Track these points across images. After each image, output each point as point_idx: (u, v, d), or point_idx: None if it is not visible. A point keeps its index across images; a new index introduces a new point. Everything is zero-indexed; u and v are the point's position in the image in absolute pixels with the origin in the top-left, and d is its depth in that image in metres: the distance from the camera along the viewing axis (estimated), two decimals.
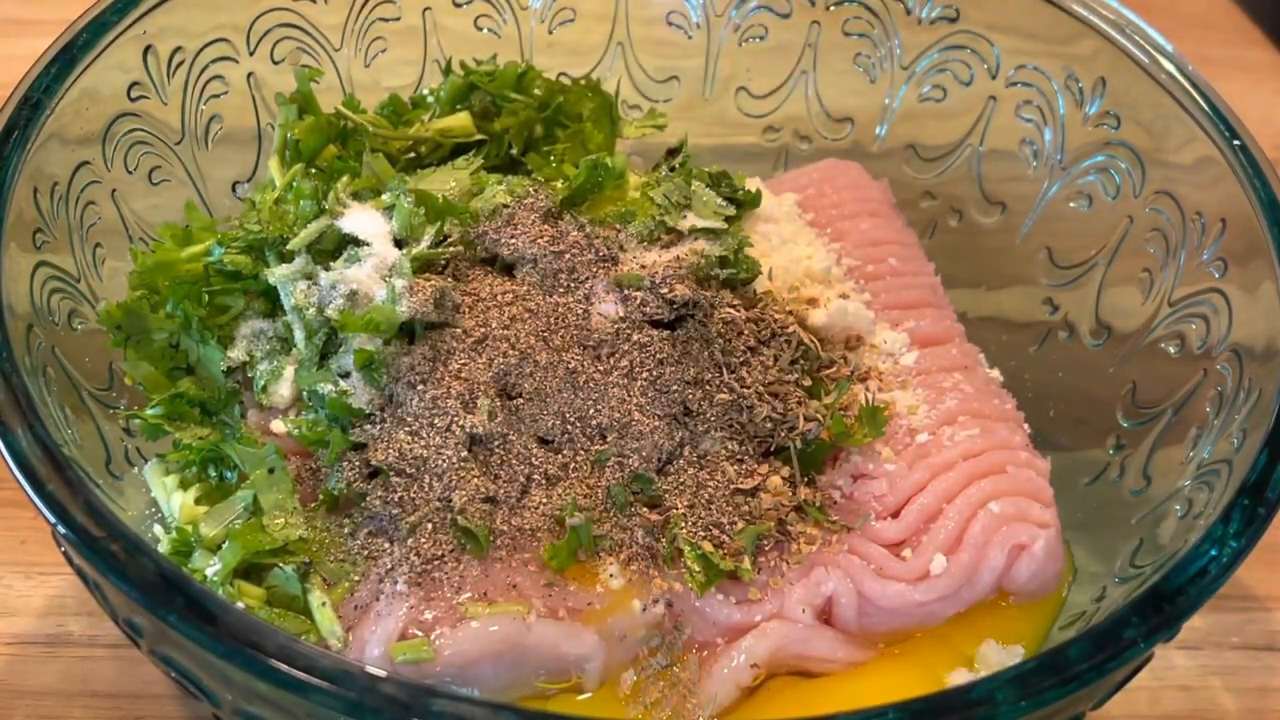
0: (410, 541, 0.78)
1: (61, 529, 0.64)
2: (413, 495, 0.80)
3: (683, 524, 0.82)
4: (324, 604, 0.78)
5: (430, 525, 0.79)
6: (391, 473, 0.80)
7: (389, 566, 0.78)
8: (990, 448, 0.91)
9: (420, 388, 0.82)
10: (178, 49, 0.96)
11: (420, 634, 0.76)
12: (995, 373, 0.99)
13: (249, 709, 0.65)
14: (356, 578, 0.79)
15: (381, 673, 0.59)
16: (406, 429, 0.82)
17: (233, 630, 0.60)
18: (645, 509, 0.82)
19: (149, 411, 0.85)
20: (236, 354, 0.88)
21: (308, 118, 0.97)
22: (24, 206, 0.81)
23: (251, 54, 1.02)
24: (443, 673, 0.75)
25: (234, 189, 1.03)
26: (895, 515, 0.87)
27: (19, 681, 0.89)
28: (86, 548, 0.63)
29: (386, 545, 0.80)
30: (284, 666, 0.58)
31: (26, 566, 0.95)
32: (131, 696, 0.89)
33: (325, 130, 0.97)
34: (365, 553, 0.80)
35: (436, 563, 0.78)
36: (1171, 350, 0.89)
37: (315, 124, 0.97)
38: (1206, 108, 0.89)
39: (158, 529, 0.84)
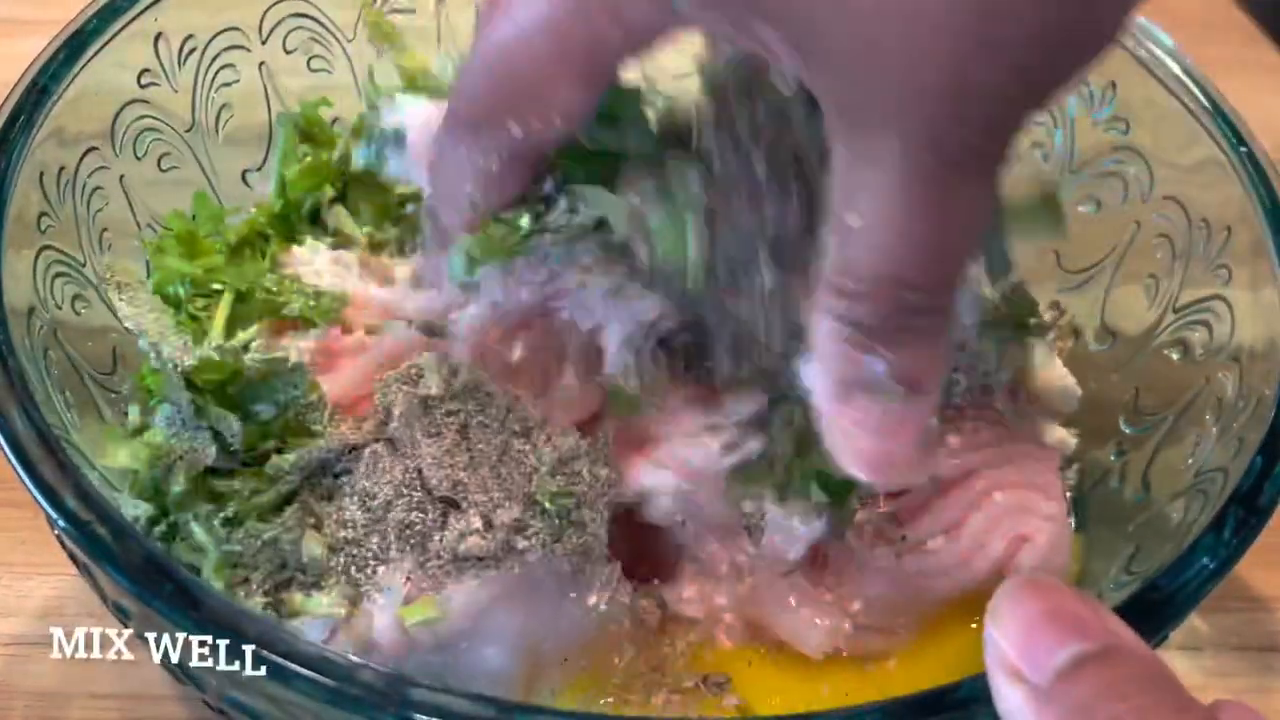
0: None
1: (52, 512, 0.64)
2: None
3: None
4: None
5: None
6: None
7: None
8: (997, 438, 0.90)
9: None
10: (189, 37, 0.96)
11: (428, 591, 0.75)
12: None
13: (234, 695, 0.66)
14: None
15: (360, 660, 0.59)
16: None
17: (215, 615, 0.60)
18: None
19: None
20: None
21: (307, 159, 0.97)
22: (29, 191, 0.81)
23: (264, 44, 1.02)
24: (457, 629, 0.74)
25: (244, 178, 1.03)
26: (894, 497, 0.87)
27: (18, 682, 0.89)
28: (75, 531, 0.64)
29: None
30: (264, 652, 0.59)
31: (26, 567, 0.96)
32: (131, 696, 0.89)
33: (323, 174, 0.97)
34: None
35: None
36: (1175, 356, 0.88)
37: (313, 166, 0.97)
38: (1214, 113, 0.88)
39: None
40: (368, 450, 0.78)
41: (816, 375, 0.63)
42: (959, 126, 0.56)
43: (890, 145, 0.56)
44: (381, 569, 0.76)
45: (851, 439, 0.63)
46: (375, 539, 0.76)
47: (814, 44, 0.58)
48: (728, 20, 0.60)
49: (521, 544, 0.74)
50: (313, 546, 0.74)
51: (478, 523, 0.75)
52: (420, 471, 0.77)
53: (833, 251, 0.59)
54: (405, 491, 0.77)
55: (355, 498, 0.77)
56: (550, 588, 0.77)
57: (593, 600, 0.77)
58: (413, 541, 0.76)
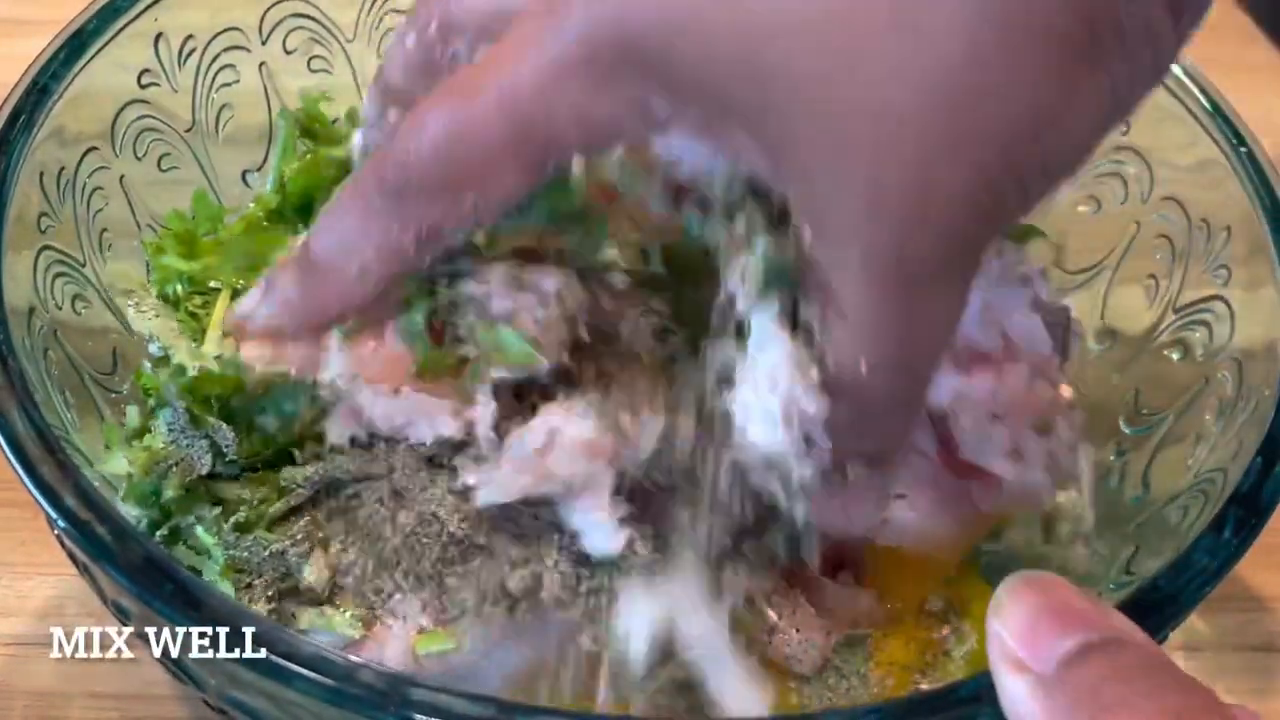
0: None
1: (51, 512, 0.64)
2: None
3: None
4: None
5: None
6: None
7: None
8: None
9: None
10: (189, 37, 0.96)
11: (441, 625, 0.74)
12: None
13: (234, 694, 0.66)
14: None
15: (361, 660, 0.59)
16: None
17: (215, 615, 0.60)
18: None
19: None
20: None
21: (308, 155, 0.96)
22: (29, 191, 0.81)
23: (264, 44, 1.02)
24: (466, 662, 0.74)
25: (244, 178, 1.03)
26: None
27: (18, 682, 0.89)
28: (75, 530, 0.64)
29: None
30: (263, 653, 0.59)
31: (26, 567, 0.96)
32: (131, 697, 0.89)
33: (323, 170, 0.95)
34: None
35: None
36: (1175, 356, 0.88)
37: (314, 162, 0.95)
38: (1214, 113, 0.88)
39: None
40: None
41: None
42: (924, 238, 0.54)
43: (854, 255, 0.55)
44: (398, 596, 0.75)
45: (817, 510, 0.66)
46: (392, 565, 0.76)
47: (785, 150, 0.56)
48: (703, 124, 0.59)
49: (541, 591, 0.74)
50: (311, 569, 0.74)
51: (499, 561, 0.75)
52: (442, 509, 0.77)
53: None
54: (428, 520, 0.76)
55: (374, 520, 0.76)
56: (558, 631, 0.76)
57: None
58: (430, 572, 0.75)
